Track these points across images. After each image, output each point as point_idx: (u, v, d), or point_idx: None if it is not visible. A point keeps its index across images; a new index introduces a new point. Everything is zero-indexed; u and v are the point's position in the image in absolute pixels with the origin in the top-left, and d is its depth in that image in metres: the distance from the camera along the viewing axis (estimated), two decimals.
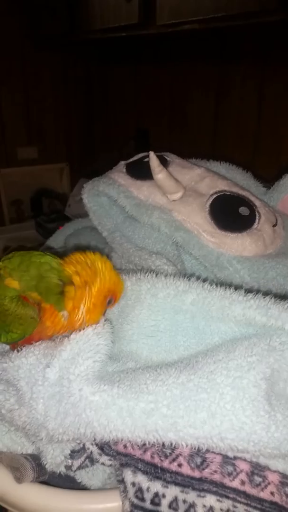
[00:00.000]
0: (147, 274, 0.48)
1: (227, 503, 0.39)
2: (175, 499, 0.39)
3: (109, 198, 0.67)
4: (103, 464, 0.45)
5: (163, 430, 0.37)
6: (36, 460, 0.45)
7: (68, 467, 0.46)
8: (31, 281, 0.42)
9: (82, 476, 0.47)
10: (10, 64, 1.53)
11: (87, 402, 0.38)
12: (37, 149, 1.69)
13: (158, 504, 0.40)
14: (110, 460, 0.44)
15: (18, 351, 0.43)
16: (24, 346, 0.43)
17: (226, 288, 0.44)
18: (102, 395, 0.38)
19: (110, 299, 0.45)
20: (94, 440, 0.39)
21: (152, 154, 0.58)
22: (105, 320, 0.45)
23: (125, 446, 0.42)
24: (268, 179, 0.73)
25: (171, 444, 0.38)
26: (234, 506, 0.39)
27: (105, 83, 1.71)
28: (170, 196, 0.61)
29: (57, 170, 1.78)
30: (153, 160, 0.58)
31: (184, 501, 0.39)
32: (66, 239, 0.85)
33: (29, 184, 1.72)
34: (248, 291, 0.43)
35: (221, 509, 0.39)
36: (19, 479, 0.44)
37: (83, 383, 0.39)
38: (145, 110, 1.60)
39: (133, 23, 1.11)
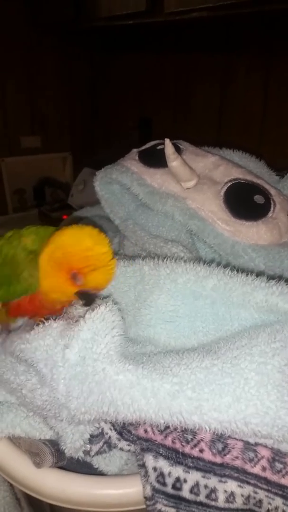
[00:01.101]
0: (165, 260, 0.48)
1: (248, 489, 0.40)
2: (197, 484, 0.40)
3: (121, 186, 0.66)
4: (121, 449, 0.45)
5: (188, 413, 0.37)
6: (54, 445, 0.46)
7: (87, 452, 0.46)
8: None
9: (99, 462, 0.48)
10: (14, 52, 1.51)
11: (111, 381, 0.38)
12: (40, 138, 1.68)
13: (180, 489, 0.40)
14: (128, 445, 0.44)
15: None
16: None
17: (247, 274, 0.44)
18: (126, 374, 0.38)
19: (74, 274, 0.41)
20: (116, 419, 0.39)
21: (167, 142, 0.57)
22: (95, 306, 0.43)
23: (145, 431, 0.42)
24: (274, 169, 0.73)
25: (194, 428, 0.38)
26: (255, 492, 0.40)
27: (109, 72, 1.69)
28: (184, 184, 0.60)
29: (60, 159, 1.77)
30: (169, 147, 0.58)
31: (206, 486, 0.40)
32: None
33: (32, 173, 1.71)
34: (270, 278, 0.43)
35: (242, 495, 0.40)
36: (38, 464, 0.44)
37: (106, 362, 0.39)
38: (149, 99, 1.59)
39: (141, 10, 1.10)
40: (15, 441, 0.48)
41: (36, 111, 1.64)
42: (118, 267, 0.52)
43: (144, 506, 0.43)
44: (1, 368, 0.46)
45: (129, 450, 0.45)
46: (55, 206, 1.66)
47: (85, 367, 0.39)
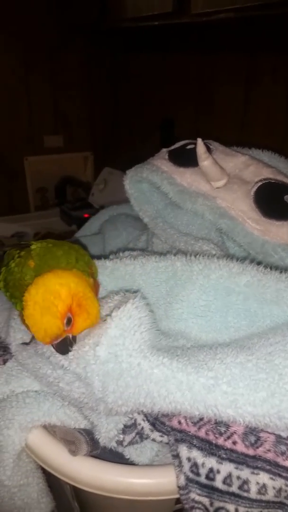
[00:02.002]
0: (198, 256, 0.50)
1: (279, 482, 0.40)
2: (229, 475, 0.41)
3: (151, 185, 0.68)
4: (153, 440, 0.46)
5: (223, 406, 0.38)
6: (89, 434, 0.47)
7: (119, 442, 0.47)
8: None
9: (130, 453, 0.49)
10: (39, 52, 1.54)
11: (147, 374, 0.39)
12: (62, 137, 1.70)
13: (213, 479, 0.41)
14: (161, 436, 0.46)
15: None
16: None
17: (280, 272, 0.45)
18: (161, 368, 0.39)
19: (70, 318, 0.40)
20: (152, 410, 0.41)
21: (199, 141, 0.59)
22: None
23: (179, 423, 0.43)
24: None
25: (228, 421, 0.39)
26: (287, 485, 0.40)
27: (131, 72, 1.71)
28: (214, 183, 0.61)
29: (82, 159, 1.79)
30: (200, 146, 0.59)
31: (238, 478, 0.40)
32: (102, 226, 0.86)
33: (54, 172, 1.73)
34: None
35: (274, 487, 0.41)
36: (73, 452, 0.46)
37: (140, 357, 0.40)
38: (171, 99, 1.60)
39: (167, 12, 1.11)
40: (50, 429, 0.49)
41: (60, 110, 1.66)
42: (149, 262, 0.53)
43: (175, 496, 0.44)
44: (38, 363, 0.47)
45: (161, 441, 0.46)
46: (77, 204, 1.68)
47: (118, 363, 0.41)
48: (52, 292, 0.39)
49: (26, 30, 1.49)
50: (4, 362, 0.53)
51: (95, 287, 0.48)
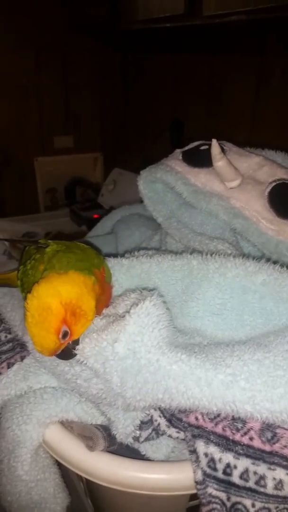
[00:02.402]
0: (214, 254, 0.50)
1: None
2: (246, 471, 0.41)
3: (164, 185, 0.68)
4: (170, 436, 0.47)
5: (241, 402, 0.39)
6: (106, 430, 0.48)
7: (136, 438, 0.48)
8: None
9: (146, 449, 0.50)
10: (50, 53, 1.56)
11: (165, 371, 0.40)
12: (73, 138, 1.71)
13: (230, 475, 0.41)
14: (177, 432, 0.46)
15: None
16: None
17: None
18: (180, 364, 0.40)
19: (66, 331, 0.40)
20: (170, 406, 0.41)
21: (214, 142, 0.59)
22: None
23: (196, 419, 0.44)
24: None
25: (246, 417, 0.40)
26: None
27: (141, 73, 1.72)
28: (228, 184, 0.62)
29: (91, 160, 1.80)
30: (215, 147, 0.59)
31: (255, 473, 0.41)
32: (114, 225, 0.87)
33: (64, 173, 1.74)
34: None
35: None
36: (91, 448, 0.46)
37: (158, 354, 0.41)
38: (181, 101, 1.60)
39: (179, 14, 1.12)
40: (66, 425, 0.50)
41: (70, 111, 1.67)
42: (165, 260, 0.54)
43: (191, 492, 0.45)
44: (55, 360, 0.48)
45: (177, 437, 0.47)
46: (86, 205, 1.69)
47: (136, 359, 0.41)
48: (44, 306, 0.39)
49: (38, 30, 1.51)
50: (22, 358, 0.54)
51: (106, 289, 0.48)
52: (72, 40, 1.57)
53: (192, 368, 0.39)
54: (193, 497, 0.48)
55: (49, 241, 0.52)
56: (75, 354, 0.43)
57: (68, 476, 0.59)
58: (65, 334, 0.40)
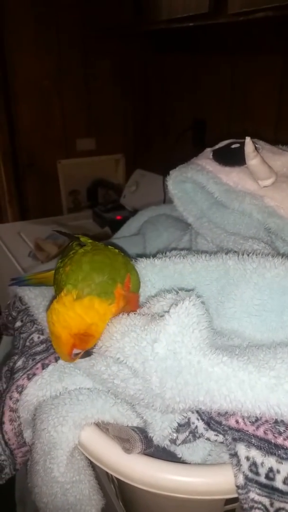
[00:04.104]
0: (251, 254, 0.49)
1: None
2: None
3: (195, 185, 0.68)
4: (208, 439, 0.46)
5: (285, 406, 0.38)
6: (143, 432, 0.47)
7: (173, 441, 0.47)
8: None
9: (183, 452, 0.49)
10: (72, 55, 1.56)
11: (207, 373, 0.39)
12: (95, 140, 1.72)
13: (273, 479, 0.40)
14: (216, 435, 0.45)
15: None
16: None
17: None
18: (222, 367, 0.39)
19: (78, 352, 0.46)
20: (211, 408, 0.41)
21: (248, 140, 0.58)
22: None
23: (237, 422, 0.43)
24: None
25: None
26: None
27: (162, 73, 1.71)
28: (262, 182, 0.61)
29: (113, 161, 1.80)
30: (249, 145, 0.58)
31: None
32: (141, 226, 0.87)
33: (86, 174, 1.75)
34: None
35: None
36: (128, 450, 0.46)
37: (200, 355, 0.40)
38: (203, 100, 1.59)
39: (203, 12, 1.11)
40: (102, 427, 0.49)
41: (92, 113, 1.68)
42: (199, 261, 0.53)
43: (230, 496, 0.44)
44: (91, 360, 0.48)
45: (215, 440, 0.46)
46: (109, 206, 1.69)
47: (177, 360, 0.41)
48: (56, 334, 0.44)
49: (61, 33, 1.52)
50: (56, 359, 0.54)
51: (131, 299, 0.49)
52: (93, 43, 1.58)
53: (235, 371, 0.39)
54: (229, 501, 0.48)
55: (88, 240, 0.52)
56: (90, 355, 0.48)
57: (98, 478, 0.59)
58: (77, 354, 0.46)
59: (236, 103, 1.46)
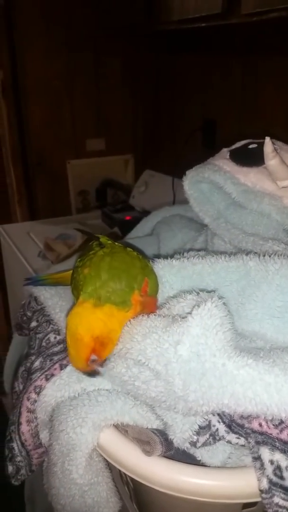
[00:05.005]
0: (273, 255, 0.49)
1: None
2: None
3: (211, 185, 0.67)
4: (229, 442, 0.46)
5: None
6: (163, 435, 0.47)
7: (193, 444, 0.46)
8: None
9: (202, 454, 0.48)
10: (82, 55, 1.56)
11: (232, 375, 0.39)
12: (104, 140, 1.72)
13: None
14: (237, 438, 0.45)
15: None
16: None
17: None
18: (247, 369, 0.39)
19: (95, 359, 0.45)
20: (235, 411, 0.40)
21: (268, 140, 0.58)
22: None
23: (260, 425, 0.42)
24: None
25: None
26: None
27: (172, 74, 1.71)
28: (281, 183, 0.60)
29: (122, 162, 1.80)
30: (269, 145, 0.58)
31: None
32: (155, 227, 0.86)
33: (95, 175, 1.75)
34: None
35: None
36: (148, 452, 0.45)
37: (224, 358, 0.40)
38: (213, 101, 1.59)
39: (216, 13, 1.10)
40: (121, 428, 0.49)
41: (102, 114, 1.68)
42: (219, 261, 0.53)
43: (252, 500, 0.44)
44: (111, 362, 0.47)
45: (237, 443, 0.45)
46: (118, 207, 1.69)
47: (201, 362, 0.40)
48: (77, 337, 0.44)
49: (70, 35, 1.52)
50: None
51: (148, 304, 0.48)
52: (103, 43, 1.58)
53: (261, 374, 0.38)
54: (246, 505, 0.47)
55: (108, 241, 0.52)
56: (100, 374, 0.47)
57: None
58: (94, 361, 0.45)
59: (247, 104, 1.45)
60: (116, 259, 0.49)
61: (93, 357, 0.44)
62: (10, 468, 0.56)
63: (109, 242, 0.53)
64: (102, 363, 0.46)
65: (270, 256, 0.49)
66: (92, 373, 0.47)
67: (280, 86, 1.31)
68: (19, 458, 0.56)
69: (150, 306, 0.49)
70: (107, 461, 0.52)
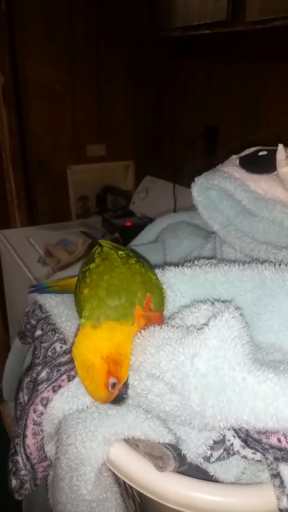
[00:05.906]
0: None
1: None
2: None
3: (220, 192, 0.66)
4: (244, 457, 0.44)
5: None
6: (176, 450, 0.45)
7: (207, 458, 0.45)
8: None
9: (215, 469, 0.47)
10: (84, 61, 1.56)
11: (253, 391, 0.37)
12: (105, 146, 1.71)
13: None
14: (253, 453, 0.43)
15: None
16: None
17: None
18: (269, 384, 0.37)
19: (115, 381, 0.42)
20: (254, 427, 0.39)
21: (281, 147, 0.57)
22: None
23: (279, 440, 0.41)
24: None
25: None
26: None
27: (174, 80, 1.70)
28: None
29: (123, 167, 1.79)
30: (281, 153, 0.57)
31: None
32: (160, 234, 0.85)
33: (96, 180, 1.74)
34: None
35: None
36: (161, 468, 0.44)
37: (244, 372, 0.38)
38: (215, 107, 1.58)
39: (220, 20, 1.10)
40: (131, 443, 0.47)
41: (103, 119, 1.67)
42: (232, 270, 0.51)
43: None
44: None
45: (252, 459, 0.44)
46: (118, 213, 1.68)
47: (219, 377, 0.39)
48: (88, 364, 0.41)
49: (73, 38, 1.51)
50: None
51: (153, 319, 0.46)
52: (106, 48, 1.57)
53: (283, 388, 0.37)
54: None
55: (111, 251, 0.50)
56: (127, 398, 0.44)
57: None
58: (114, 384, 0.42)
59: (249, 110, 1.45)
60: (116, 275, 0.46)
61: (112, 379, 0.41)
62: (14, 482, 0.55)
63: (112, 251, 0.50)
64: (125, 384, 0.44)
65: (286, 265, 0.48)
66: (118, 400, 0.44)
67: (283, 93, 1.30)
68: (23, 472, 0.54)
69: (155, 321, 0.47)
70: (115, 475, 0.50)
